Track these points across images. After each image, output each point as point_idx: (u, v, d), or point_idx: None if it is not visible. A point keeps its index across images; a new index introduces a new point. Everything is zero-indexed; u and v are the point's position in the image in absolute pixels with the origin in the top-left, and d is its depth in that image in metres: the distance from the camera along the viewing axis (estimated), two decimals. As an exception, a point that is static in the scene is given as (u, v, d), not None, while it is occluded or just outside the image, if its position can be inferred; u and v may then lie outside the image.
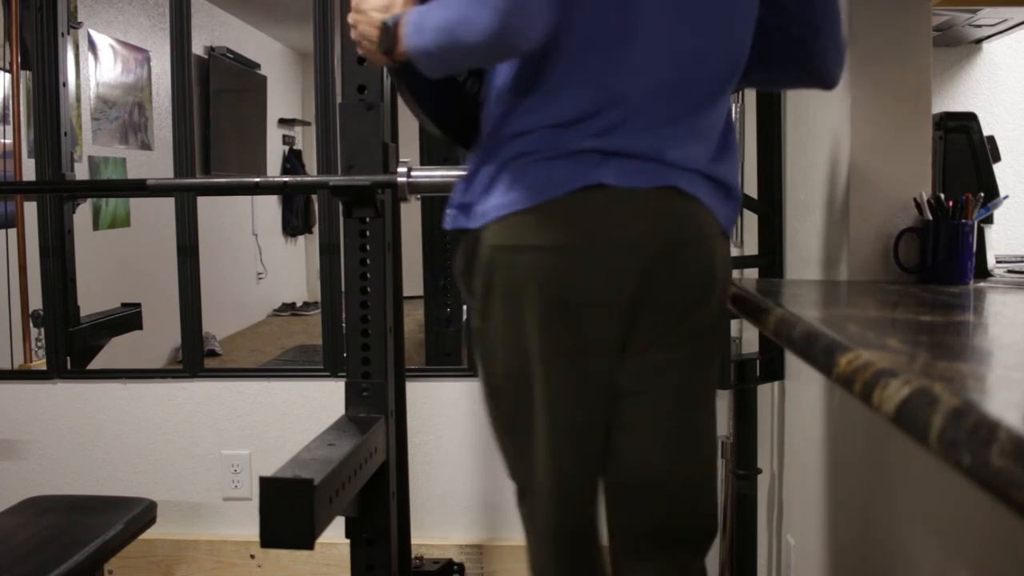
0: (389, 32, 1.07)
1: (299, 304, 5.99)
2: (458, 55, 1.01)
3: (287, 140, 6.36)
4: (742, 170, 2.03)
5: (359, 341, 1.58)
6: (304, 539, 1.22)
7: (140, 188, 1.70)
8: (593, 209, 1.04)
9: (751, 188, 1.82)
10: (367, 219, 1.56)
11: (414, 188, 1.57)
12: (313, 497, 1.22)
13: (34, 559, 1.55)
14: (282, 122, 6.20)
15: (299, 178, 3.04)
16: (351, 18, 1.13)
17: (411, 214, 2.02)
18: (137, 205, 3.35)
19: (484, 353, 1.14)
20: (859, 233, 1.43)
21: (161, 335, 3.10)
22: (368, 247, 1.56)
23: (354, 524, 1.57)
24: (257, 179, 1.63)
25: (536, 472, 1.14)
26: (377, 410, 1.58)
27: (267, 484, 1.24)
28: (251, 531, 1.57)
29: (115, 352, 2.62)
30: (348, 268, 1.58)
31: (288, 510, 1.22)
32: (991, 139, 1.62)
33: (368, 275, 1.56)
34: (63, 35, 2.26)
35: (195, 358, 2.28)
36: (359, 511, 1.55)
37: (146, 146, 3.79)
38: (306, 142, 6.42)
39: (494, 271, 1.07)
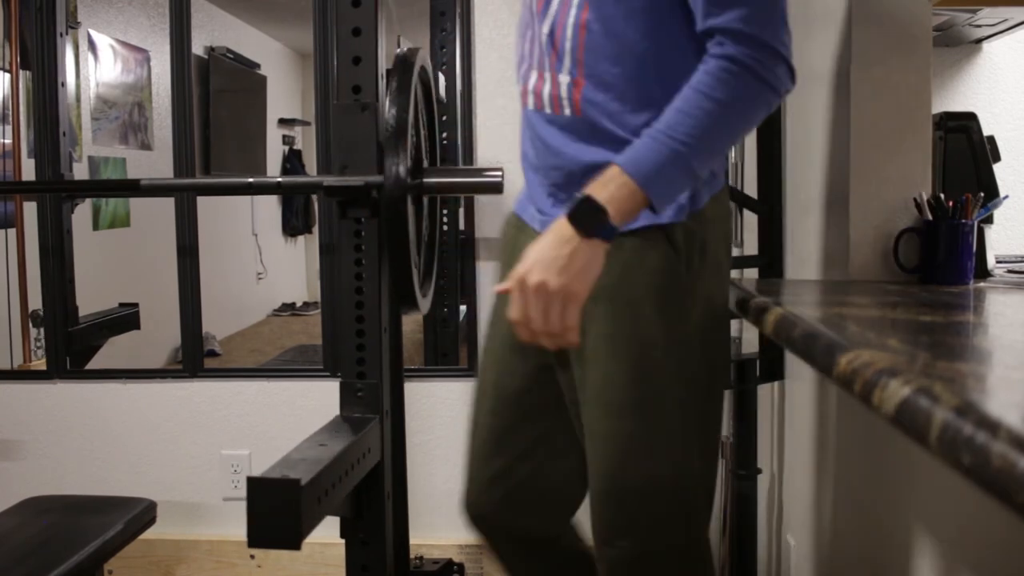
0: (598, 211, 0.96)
1: (299, 304, 5.98)
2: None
3: (287, 140, 6.35)
4: (743, 170, 2.03)
5: (354, 341, 1.58)
6: (291, 539, 1.22)
7: (134, 188, 1.70)
8: None
9: (751, 188, 1.82)
10: (362, 219, 1.55)
11: None
12: (300, 497, 1.22)
13: (34, 559, 1.54)
14: (282, 122, 6.19)
15: (293, 178, 3.03)
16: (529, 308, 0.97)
17: (411, 214, 2.02)
18: (137, 205, 3.34)
19: None
20: (859, 233, 1.43)
21: (161, 335, 3.10)
22: (363, 247, 1.56)
23: (348, 524, 1.56)
24: (250, 179, 1.63)
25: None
26: (372, 410, 1.58)
27: (254, 484, 1.24)
28: (251, 531, 1.57)
29: (115, 353, 2.61)
30: (343, 268, 1.58)
31: (275, 510, 1.22)
32: (991, 139, 1.62)
33: (363, 275, 1.56)
34: (62, 35, 2.25)
35: (195, 358, 2.27)
36: (353, 511, 1.55)
37: (146, 146, 3.78)
38: (306, 142, 6.41)
39: None
